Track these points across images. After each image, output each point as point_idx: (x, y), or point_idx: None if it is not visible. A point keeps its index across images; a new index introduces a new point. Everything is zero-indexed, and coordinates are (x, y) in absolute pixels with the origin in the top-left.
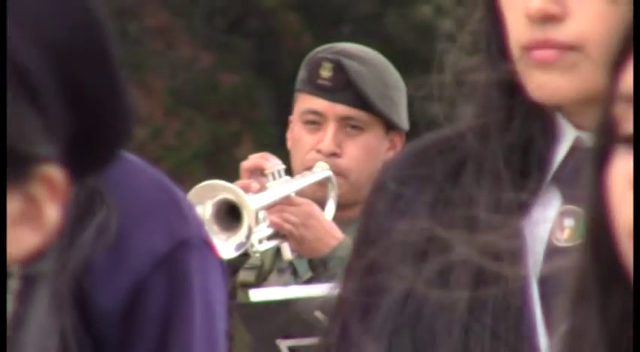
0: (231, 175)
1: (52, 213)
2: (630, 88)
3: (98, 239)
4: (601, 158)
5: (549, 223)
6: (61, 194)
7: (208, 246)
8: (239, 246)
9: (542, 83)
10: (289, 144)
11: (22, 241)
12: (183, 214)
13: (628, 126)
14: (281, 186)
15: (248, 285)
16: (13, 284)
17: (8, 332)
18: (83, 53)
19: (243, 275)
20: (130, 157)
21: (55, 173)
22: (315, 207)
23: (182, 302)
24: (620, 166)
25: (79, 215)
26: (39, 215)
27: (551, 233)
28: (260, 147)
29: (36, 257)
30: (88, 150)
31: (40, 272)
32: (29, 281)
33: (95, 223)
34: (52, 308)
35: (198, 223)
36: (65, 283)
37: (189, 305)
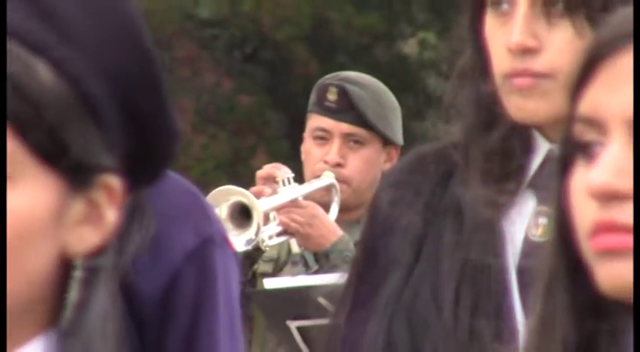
0: (248, 183)
1: (111, 216)
2: (586, 110)
3: (140, 237)
4: (564, 168)
5: (526, 221)
6: (119, 200)
7: (227, 242)
8: (249, 241)
9: (521, 106)
10: (302, 156)
11: (84, 239)
12: (208, 215)
13: (584, 140)
14: (289, 191)
15: (267, 275)
16: (78, 275)
17: (72, 315)
18: (138, 80)
19: (263, 267)
20: None
21: (113, 182)
22: (319, 209)
23: (209, 288)
24: (579, 177)
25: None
26: (100, 217)
27: (528, 229)
28: (272, 158)
29: (97, 252)
30: (142, 164)
31: (101, 265)
32: (92, 273)
33: (137, 226)
34: (111, 296)
35: (219, 222)
36: (116, 276)
37: (215, 290)
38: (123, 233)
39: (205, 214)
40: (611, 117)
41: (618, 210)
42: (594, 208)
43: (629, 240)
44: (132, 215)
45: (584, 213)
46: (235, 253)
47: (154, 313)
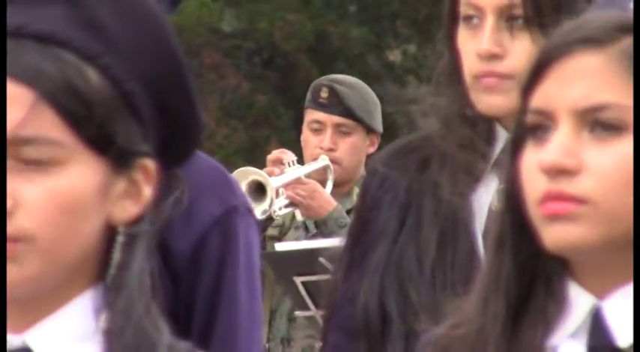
0: (262, 165)
1: (147, 191)
2: (538, 103)
3: (176, 205)
4: (515, 149)
5: (490, 197)
6: (154, 179)
7: (249, 211)
8: (264, 212)
9: (488, 101)
10: (302, 143)
11: (126, 210)
12: (232, 188)
13: (533, 128)
14: (294, 171)
15: (274, 238)
16: (120, 239)
17: (115, 272)
18: (169, 82)
19: (271, 232)
20: None
21: (149, 164)
22: (318, 185)
23: (231, 249)
24: (529, 156)
25: (162, 188)
26: (138, 193)
27: (491, 202)
28: (282, 145)
29: (136, 221)
30: (172, 150)
31: (139, 231)
32: (132, 238)
33: (174, 194)
34: (147, 256)
35: (243, 195)
36: (153, 235)
37: (237, 251)
38: (161, 200)
39: (230, 188)
40: (561, 108)
41: (565, 183)
42: (544, 181)
43: (571, 207)
44: (169, 186)
45: (535, 185)
46: (258, 222)
47: (185, 268)
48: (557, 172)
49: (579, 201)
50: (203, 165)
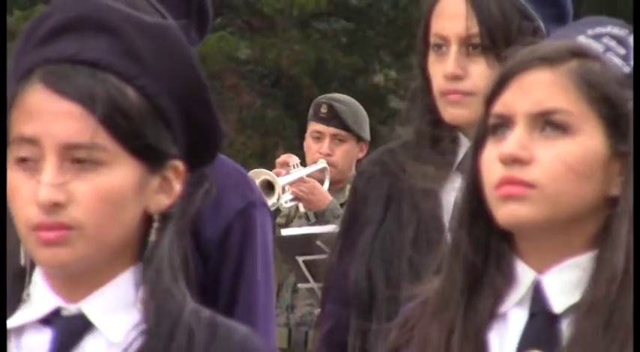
0: (272, 167)
1: (177, 187)
2: (500, 109)
3: (205, 198)
4: (477, 145)
5: (455, 192)
6: (182, 176)
7: (264, 205)
8: (272, 204)
9: (452, 113)
10: (305, 149)
11: (160, 202)
12: (251, 186)
13: (493, 128)
14: (298, 172)
15: (281, 225)
16: (155, 225)
17: (149, 251)
18: (193, 97)
19: (279, 220)
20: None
21: (179, 165)
22: (317, 183)
23: (250, 236)
24: (490, 150)
25: (193, 185)
26: (170, 188)
27: (456, 197)
28: (288, 151)
29: (167, 210)
30: (198, 153)
31: (169, 219)
32: (163, 223)
33: (204, 190)
34: (176, 237)
35: (259, 191)
36: (186, 222)
37: (255, 238)
38: (192, 193)
39: (249, 185)
40: (519, 112)
41: (518, 171)
42: (500, 169)
43: (522, 190)
44: (199, 182)
45: (493, 172)
46: (271, 213)
47: (213, 251)
48: (512, 161)
49: (529, 185)
50: (228, 167)
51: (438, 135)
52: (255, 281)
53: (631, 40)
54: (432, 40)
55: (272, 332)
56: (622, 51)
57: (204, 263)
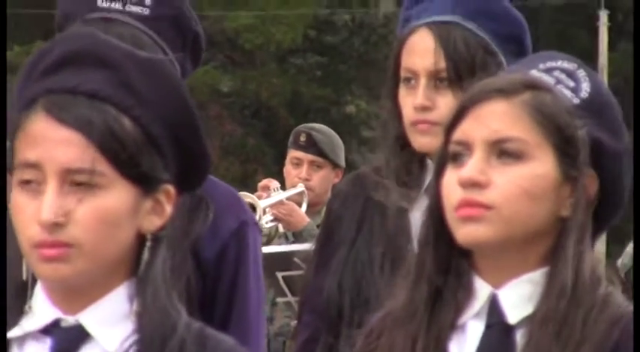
0: (252, 190)
1: (168, 209)
2: (459, 136)
3: (204, 221)
4: (439, 171)
5: (422, 213)
6: (173, 199)
7: (256, 224)
8: None
9: (421, 141)
10: (285, 174)
11: (152, 223)
12: (243, 207)
13: (453, 155)
14: (278, 195)
15: (262, 244)
16: (148, 244)
17: (144, 268)
18: (184, 126)
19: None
20: (211, 177)
21: (170, 188)
22: (295, 206)
23: (244, 253)
24: (450, 175)
25: (192, 209)
26: (162, 210)
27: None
28: (267, 176)
29: (159, 230)
30: (187, 178)
31: (161, 237)
32: (156, 242)
33: (203, 214)
34: (179, 259)
35: (250, 211)
36: (189, 245)
37: (248, 255)
38: (192, 217)
39: (242, 206)
40: (477, 140)
41: (476, 193)
42: (460, 192)
43: (480, 211)
44: (198, 207)
45: (452, 195)
46: (260, 230)
47: (211, 268)
48: (471, 185)
49: (486, 207)
50: (222, 190)
51: (408, 161)
52: (248, 293)
53: (580, 73)
54: (403, 73)
55: (262, 336)
56: (571, 83)
57: (203, 279)
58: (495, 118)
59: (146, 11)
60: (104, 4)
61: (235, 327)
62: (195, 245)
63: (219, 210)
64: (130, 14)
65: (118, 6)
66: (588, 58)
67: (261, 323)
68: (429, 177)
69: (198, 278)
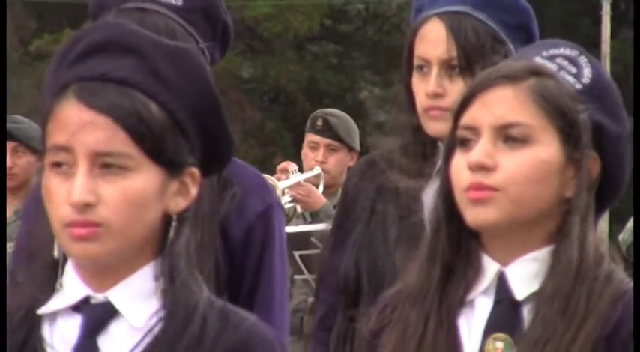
0: (271, 172)
1: (193, 191)
2: (467, 121)
3: (231, 202)
4: (448, 155)
5: (434, 194)
6: (198, 181)
7: (280, 206)
8: None
9: (434, 126)
10: (302, 157)
11: (178, 204)
12: (269, 190)
13: (461, 139)
14: (296, 177)
15: None
16: (174, 224)
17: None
18: (207, 111)
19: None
20: (238, 160)
21: (195, 171)
22: (313, 187)
23: (270, 234)
24: (459, 158)
25: (220, 190)
26: (187, 192)
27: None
28: (284, 159)
29: (184, 211)
30: (211, 161)
31: (186, 218)
32: (180, 222)
33: (230, 194)
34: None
35: (276, 194)
36: (217, 224)
37: (273, 236)
38: (219, 198)
39: (268, 189)
40: (484, 125)
41: (484, 176)
42: (469, 175)
43: (488, 194)
44: (225, 188)
45: (462, 178)
46: (285, 211)
47: (238, 247)
48: (479, 168)
49: (494, 189)
50: (249, 173)
51: (421, 145)
52: (273, 272)
53: (581, 60)
54: (416, 61)
55: (285, 314)
56: (573, 70)
57: (231, 257)
58: (501, 104)
59: (179, 2)
60: None
61: (260, 305)
62: (223, 225)
63: (246, 192)
64: (163, 5)
65: None
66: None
67: (285, 301)
68: (440, 161)
69: (226, 257)
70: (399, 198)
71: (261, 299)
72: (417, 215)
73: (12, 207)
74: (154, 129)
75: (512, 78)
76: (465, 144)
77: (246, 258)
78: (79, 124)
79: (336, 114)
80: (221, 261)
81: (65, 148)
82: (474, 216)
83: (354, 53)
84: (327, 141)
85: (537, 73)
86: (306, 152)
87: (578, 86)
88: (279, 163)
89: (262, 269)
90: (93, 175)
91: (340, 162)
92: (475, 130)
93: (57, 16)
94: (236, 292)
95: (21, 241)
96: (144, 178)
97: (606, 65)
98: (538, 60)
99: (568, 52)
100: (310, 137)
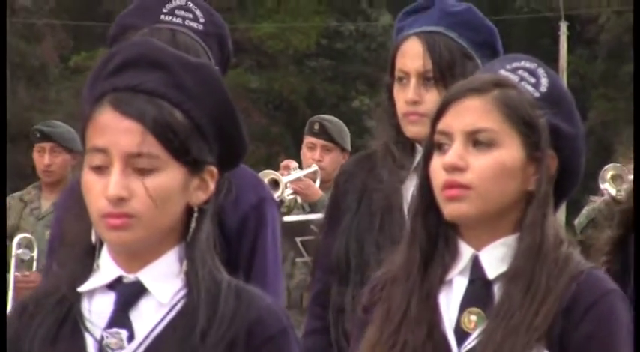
0: (277, 169)
1: (212, 186)
2: (442, 127)
3: (226, 195)
4: (427, 157)
5: (412, 187)
6: (215, 178)
7: (273, 200)
8: (277, 197)
9: (412, 130)
10: (301, 156)
11: (198, 198)
12: (262, 185)
13: (438, 143)
14: (296, 173)
15: (283, 214)
16: (195, 215)
17: (191, 235)
18: (225, 117)
19: (282, 210)
20: None
21: (213, 169)
22: (311, 182)
23: (263, 224)
24: (436, 160)
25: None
26: (206, 186)
27: (413, 192)
28: (287, 158)
29: (204, 203)
30: (227, 160)
31: (206, 209)
32: (201, 213)
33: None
34: (210, 225)
35: (269, 189)
36: (214, 215)
37: (266, 225)
38: (220, 192)
39: (261, 184)
40: (456, 131)
41: (457, 175)
42: (444, 174)
43: (461, 191)
44: (224, 184)
45: (439, 177)
46: (277, 205)
47: (234, 236)
48: (453, 169)
49: (466, 187)
50: (243, 170)
51: (401, 144)
52: (267, 255)
53: (539, 71)
54: (397, 74)
55: (280, 295)
56: (532, 80)
57: (227, 244)
58: (471, 113)
59: (200, 27)
60: (167, 18)
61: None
62: (220, 216)
63: (241, 187)
64: (188, 27)
65: (178, 20)
66: (551, 61)
67: (279, 282)
68: (417, 159)
69: (223, 244)
70: (383, 192)
71: (255, 279)
72: (398, 206)
73: (50, 200)
74: (178, 133)
75: (479, 90)
76: (441, 147)
77: (240, 245)
78: (115, 129)
79: (331, 120)
80: (219, 249)
81: (102, 150)
82: (450, 210)
83: (347, 67)
84: (322, 142)
85: (501, 84)
86: (304, 152)
87: (537, 94)
88: (282, 161)
89: (256, 253)
90: (126, 173)
91: (334, 160)
92: (449, 135)
93: (92, 36)
94: (232, 275)
95: (56, 230)
96: (170, 176)
97: (564, 77)
98: (502, 72)
99: (528, 64)
100: (308, 139)
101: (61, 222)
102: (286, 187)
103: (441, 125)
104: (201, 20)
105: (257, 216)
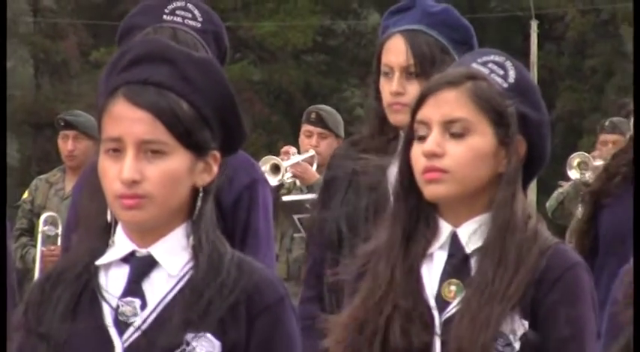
0: (277, 154)
1: (215, 169)
2: (421, 117)
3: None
4: (407, 143)
5: (396, 170)
6: (218, 161)
7: (265, 181)
8: (279, 180)
9: (396, 119)
10: (299, 142)
11: (203, 180)
12: (255, 167)
13: (417, 132)
14: (295, 158)
15: (284, 194)
16: (201, 195)
17: (197, 213)
18: (226, 107)
19: (282, 191)
20: None
21: (216, 153)
22: (308, 166)
23: (254, 202)
24: (416, 148)
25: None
26: (210, 169)
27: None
28: (287, 144)
29: (209, 185)
30: (229, 146)
31: (210, 190)
32: (206, 193)
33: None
34: (213, 204)
35: (261, 171)
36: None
37: (257, 204)
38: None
39: (254, 167)
40: (434, 120)
41: (436, 161)
42: (424, 160)
43: (439, 175)
44: (220, 166)
45: (419, 163)
46: (270, 186)
47: (229, 213)
48: (431, 155)
49: (444, 171)
50: (239, 155)
51: (386, 132)
52: (258, 233)
53: (507, 64)
54: (382, 68)
55: (272, 268)
56: (501, 72)
57: (223, 221)
58: (446, 104)
59: (198, 25)
60: (168, 18)
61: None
62: (217, 195)
63: (235, 169)
64: (188, 26)
65: (178, 20)
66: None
67: (271, 256)
68: (401, 144)
69: (219, 219)
70: (369, 174)
71: (248, 254)
72: (383, 187)
73: (73, 182)
74: (185, 122)
75: (454, 83)
76: (420, 136)
77: (235, 220)
78: (128, 119)
79: (326, 109)
80: (216, 223)
81: (116, 139)
82: (429, 191)
83: (340, 62)
84: (319, 130)
85: (473, 77)
86: (302, 139)
87: (506, 85)
88: (282, 147)
89: (249, 230)
90: (139, 158)
91: (329, 146)
92: (428, 125)
93: (110, 34)
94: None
95: (72, 213)
96: (177, 160)
97: (535, 71)
98: (474, 65)
99: (497, 58)
100: (306, 127)
101: (77, 206)
102: (286, 171)
103: (420, 115)
104: (200, 19)
105: (249, 195)
